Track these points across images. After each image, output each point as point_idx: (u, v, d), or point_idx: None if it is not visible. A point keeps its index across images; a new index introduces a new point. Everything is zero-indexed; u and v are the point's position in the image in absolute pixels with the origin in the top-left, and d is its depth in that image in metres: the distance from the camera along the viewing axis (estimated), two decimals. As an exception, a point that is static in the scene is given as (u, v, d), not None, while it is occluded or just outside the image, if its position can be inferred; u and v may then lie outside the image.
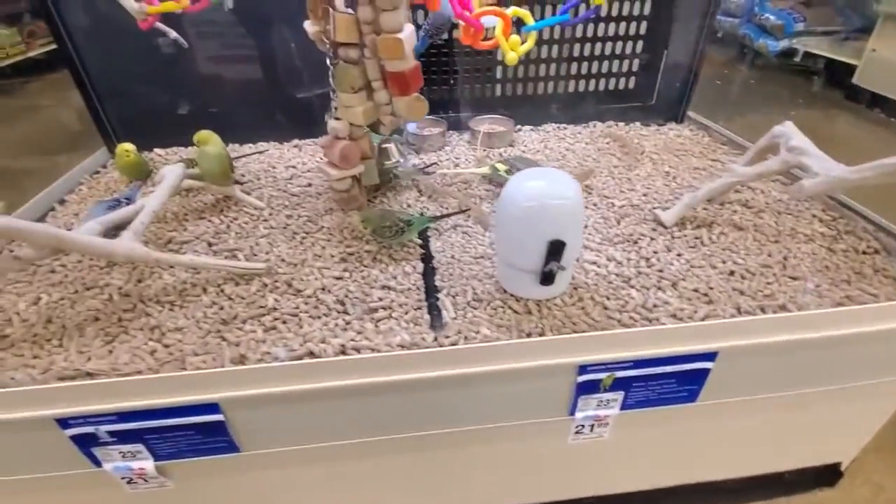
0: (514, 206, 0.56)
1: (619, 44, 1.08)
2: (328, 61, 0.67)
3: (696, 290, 0.64)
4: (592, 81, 1.13)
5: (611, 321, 0.59)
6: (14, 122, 2.45)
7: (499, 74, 1.12)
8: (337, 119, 0.70)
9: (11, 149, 1.92)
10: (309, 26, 0.67)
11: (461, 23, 0.69)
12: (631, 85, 1.15)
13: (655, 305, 0.61)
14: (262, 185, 0.94)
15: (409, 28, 0.63)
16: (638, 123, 1.16)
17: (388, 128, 0.73)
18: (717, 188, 0.73)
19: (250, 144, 1.11)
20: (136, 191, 0.83)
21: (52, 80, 3.29)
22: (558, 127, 1.16)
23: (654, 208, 0.80)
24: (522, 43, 0.79)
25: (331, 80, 0.68)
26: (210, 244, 0.77)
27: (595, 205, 0.83)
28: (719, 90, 2.84)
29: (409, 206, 0.85)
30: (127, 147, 0.91)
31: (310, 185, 0.94)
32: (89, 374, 0.54)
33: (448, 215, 0.76)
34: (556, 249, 0.55)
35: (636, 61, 1.11)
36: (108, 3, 0.74)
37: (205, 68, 1.05)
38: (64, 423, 0.52)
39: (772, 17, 3.18)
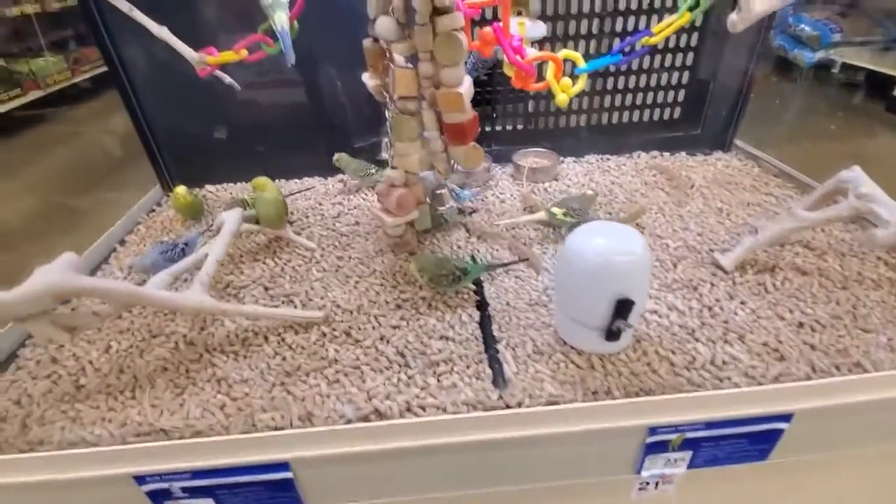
0: (579, 261, 0.56)
1: (665, 75, 1.07)
2: (386, 113, 0.68)
3: (765, 345, 0.62)
4: (636, 112, 1.12)
5: (679, 379, 0.58)
6: (62, 148, 2.57)
7: (541, 107, 1.11)
8: (393, 168, 0.71)
9: (62, 177, 2.01)
10: (368, 79, 0.68)
11: (505, 60, 0.70)
12: (676, 115, 1.13)
13: (725, 362, 0.60)
14: (311, 224, 0.95)
15: (467, 81, 0.64)
16: (684, 153, 1.14)
17: (442, 174, 0.74)
18: (780, 234, 0.71)
19: (296, 179, 1.13)
20: (196, 237, 0.84)
21: (95, 106, 3.44)
22: (601, 158, 1.14)
23: (712, 250, 0.79)
24: (573, 84, 0.79)
25: (388, 129, 0.69)
26: (266, 288, 0.78)
27: (649, 246, 0.82)
28: (755, 103, 2.78)
29: (459, 247, 0.85)
30: (182, 191, 0.93)
31: (357, 223, 0.95)
32: (164, 432, 0.56)
33: (505, 265, 0.76)
34: (623, 308, 0.54)
35: (682, 91, 1.10)
36: (165, 49, 0.76)
37: (254, 108, 1.08)
38: (141, 479, 0.54)
39: (807, 28, 3.11)
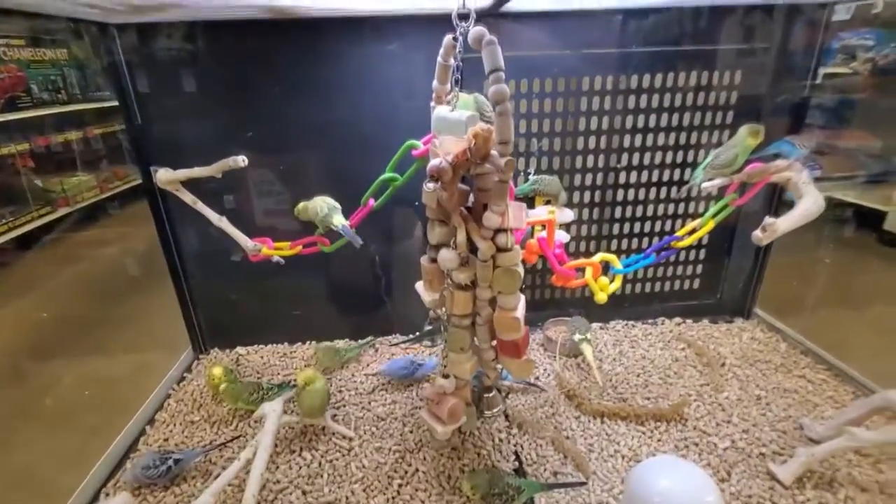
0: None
1: (683, 252, 1.14)
2: (442, 327, 0.72)
3: (845, 590, 0.58)
4: (658, 283, 1.17)
5: None
6: (84, 264, 2.63)
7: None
8: (445, 376, 0.72)
9: (83, 291, 2.03)
10: (424, 293, 0.72)
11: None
12: (696, 285, 1.18)
13: None
14: (346, 402, 0.94)
15: (522, 302, 0.67)
16: (706, 320, 1.18)
17: (492, 380, 0.75)
18: (836, 450, 0.70)
19: (327, 342, 1.14)
20: (196, 454, 0.81)
21: (119, 220, 3.58)
22: (627, 325, 1.17)
23: (762, 454, 0.77)
24: (611, 283, 0.84)
25: (443, 342, 0.71)
26: (304, 492, 0.75)
27: (696, 445, 0.80)
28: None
29: (501, 440, 0.83)
30: (218, 373, 0.92)
31: (394, 402, 0.94)
32: None
33: (564, 486, 0.73)
34: (701, 566, 0.52)
35: (699, 265, 1.16)
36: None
37: (290, 274, 1.12)
38: None
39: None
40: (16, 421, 1.12)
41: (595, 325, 1.17)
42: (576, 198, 1.08)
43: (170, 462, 0.77)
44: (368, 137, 0.95)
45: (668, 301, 1.19)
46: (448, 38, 0.61)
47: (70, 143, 3.76)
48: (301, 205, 0.81)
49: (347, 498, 0.73)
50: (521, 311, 0.66)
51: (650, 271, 1.16)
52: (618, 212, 1.10)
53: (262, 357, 1.11)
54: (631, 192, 1.08)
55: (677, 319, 1.19)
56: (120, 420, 0.90)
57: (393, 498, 0.73)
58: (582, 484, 0.72)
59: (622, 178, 1.07)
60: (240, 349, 1.14)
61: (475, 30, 0.54)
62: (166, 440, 0.87)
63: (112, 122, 4.34)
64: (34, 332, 1.49)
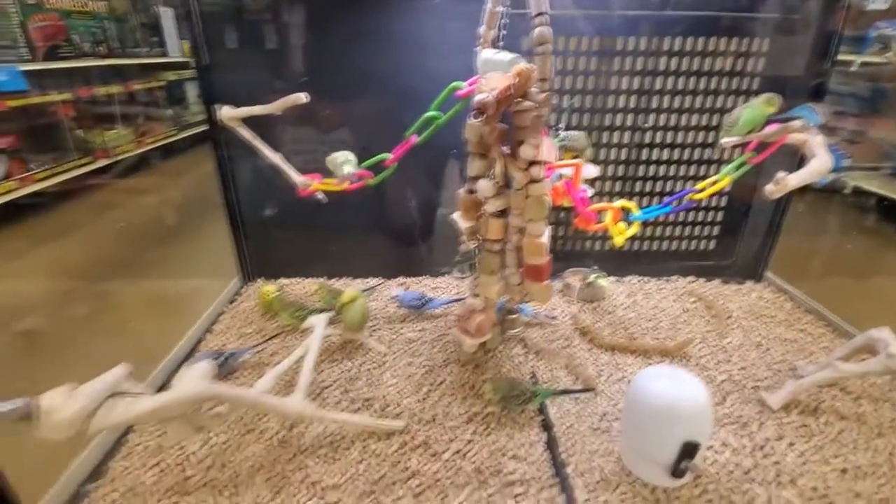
0: (647, 405, 0.63)
1: (702, 213, 1.20)
2: (475, 249, 0.80)
3: (815, 489, 0.67)
4: (675, 242, 1.24)
5: (738, 519, 0.63)
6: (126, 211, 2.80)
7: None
8: (475, 295, 0.81)
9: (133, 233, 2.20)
10: (461, 221, 0.80)
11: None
12: (711, 246, 1.25)
13: (780, 506, 0.65)
14: (380, 326, 1.05)
15: (548, 231, 0.76)
16: (718, 281, 1.24)
17: (517, 302, 0.84)
18: (821, 380, 0.78)
19: (360, 279, 1.25)
20: (245, 351, 0.93)
21: (158, 171, 3.74)
22: (641, 279, 1.25)
23: (756, 386, 0.86)
24: (628, 228, 0.91)
25: (476, 264, 0.80)
26: (346, 390, 0.86)
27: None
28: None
29: (519, 362, 0.93)
30: (270, 290, 1.05)
31: (423, 330, 1.04)
32: (269, 532, 0.62)
33: (573, 391, 0.83)
34: (689, 450, 0.61)
35: (717, 227, 1.22)
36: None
37: (333, 212, 1.22)
38: (245, 579, 0.59)
39: (819, 151, 3.34)
40: (91, 325, 1.27)
41: (611, 279, 1.25)
42: (602, 155, 1.14)
43: (226, 355, 0.89)
44: (412, 86, 1.03)
45: (683, 260, 1.26)
46: (498, -15, 0.68)
47: (111, 96, 3.90)
48: (330, 156, 0.90)
49: (383, 397, 0.84)
50: (546, 238, 0.75)
51: (668, 230, 1.23)
52: (641, 170, 1.16)
53: (302, 288, 1.22)
54: (656, 152, 1.14)
55: (691, 278, 1.26)
56: (181, 329, 1.02)
57: (422, 399, 0.83)
58: (590, 390, 0.82)
59: (648, 138, 1.13)
60: (283, 280, 1.25)
61: (525, -24, 0.61)
62: (223, 346, 0.99)
63: (150, 79, 4.48)
64: (101, 258, 1.65)
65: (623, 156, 1.15)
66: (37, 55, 3.27)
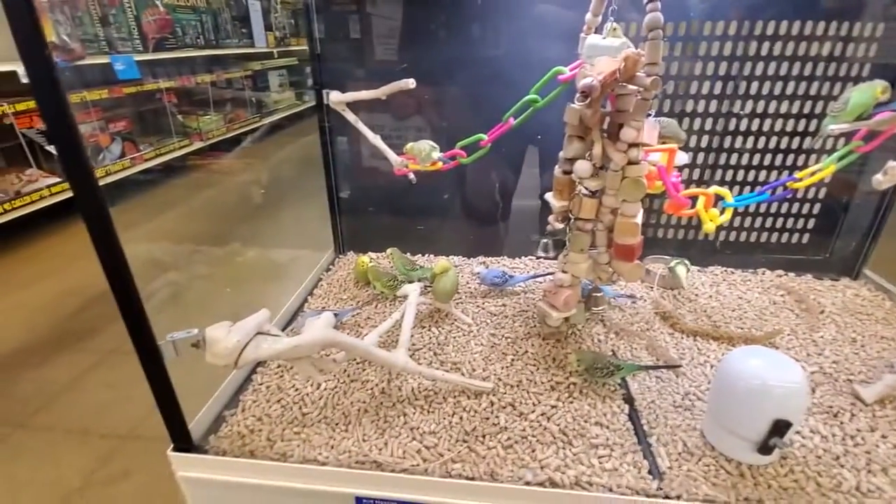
0: (741, 380, 0.65)
1: (797, 204, 1.16)
2: (567, 227, 0.85)
3: (912, 482, 0.66)
4: (764, 234, 1.21)
5: (826, 500, 0.64)
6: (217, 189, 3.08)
7: (672, 217, 1.24)
8: (564, 272, 0.86)
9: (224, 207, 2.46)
10: (554, 201, 0.85)
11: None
12: (804, 240, 1.20)
13: (870, 490, 0.65)
14: (464, 301, 1.12)
15: (640, 213, 0.78)
16: (810, 276, 1.20)
17: (603, 281, 0.87)
18: (926, 377, 0.75)
19: (443, 257, 1.32)
20: (349, 311, 1.04)
21: (244, 152, 4.06)
22: (726, 270, 1.23)
23: (850, 380, 0.84)
24: (721, 215, 0.91)
25: (567, 241, 0.84)
26: (436, 354, 0.94)
27: (784, 366, 0.88)
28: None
29: (600, 340, 0.96)
30: (365, 259, 1.15)
31: (504, 305, 1.10)
32: (377, 464, 0.70)
33: (658, 367, 0.86)
34: (780, 428, 0.63)
35: (812, 220, 1.18)
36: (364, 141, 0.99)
37: (418, 197, 1.30)
38: (359, 500, 0.68)
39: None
40: (215, 281, 1.45)
41: (694, 268, 1.24)
42: (692, 142, 1.13)
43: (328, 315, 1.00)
44: (507, 74, 1.08)
45: (772, 253, 1.23)
46: (607, -26, 0.71)
47: (205, 84, 4.24)
48: (409, 145, 0.95)
49: (470, 363, 0.91)
50: (639, 220, 0.77)
51: (757, 221, 1.20)
52: (734, 159, 1.14)
53: (389, 262, 1.31)
54: (750, 141, 1.12)
55: (779, 271, 1.22)
56: (288, 290, 1.15)
57: (507, 367, 0.89)
58: (676, 367, 0.84)
59: (743, 125, 1.11)
60: (371, 254, 1.35)
61: (638, -35, 0.64)
62: (324, 307, 1.10)
63: (238, 69, 4.82)
64: (210, 229, 1.87)
65: (714, 143, 1.13)
66: (147, 46, 3.63)
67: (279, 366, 0.92)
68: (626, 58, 0.66)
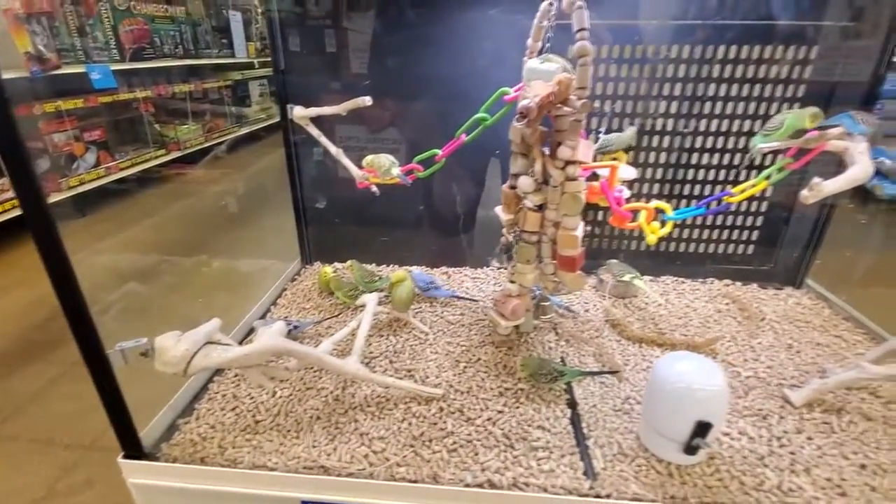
0: (668, 384, 0.69)
1: (741, 217, 1.22)
2: (513, 239, 0.88)
3: (829, 480, 0.70)
4: (711, 245, 1.26)
5: (748, 498, 0.68)
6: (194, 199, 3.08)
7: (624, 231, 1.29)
8: (512, 282, 0.89)
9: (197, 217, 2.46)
10: (502, 214, 0.89)
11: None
12: (749, 251, 1.26)
13: (791, 489, 0.69)
14: (423, 310, 1.15)
15: (581, 226, 0.83)
16: (755, 285, 1.26)
17: (549, 291, 0.91)
18: (846, 381, 0.80)
19: (406, 268, 1.35)
20: (309, 323, 1.06)
21: (220, 163, 4.04)
22: (676, 280, 1.28)
23: (781, 384, 0.89)
24: (661, 228, 0.96)
25: (514, 254, 0.88)
26: (391, 361, 0.96)
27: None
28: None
29: (550, 348, 1.00)
30: (329, 270, 1.17)
31: (462, 314, 1.13)
32: (324, 468, 0.72)
33: (599, 373, 0.90)
34: (702, 429, 0.67)
35: (755, 232, 1.24)
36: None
37: (383, 208, 1.33)
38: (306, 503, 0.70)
39: (887, 161, 3.17)
40: (178, 291, 1.45)
41: (646, 277, 1.29)
42: (641, 158, 1.19)
43: (290, 327, 1.01)
44: (464, 91, 1.12)
45: (720, 263, 1.28)
46: (545, 3, 0.76)
47: (183, 94, 4.23)
48: (368, 157, 0.98)
49: (424, 370, 0.94)
50: (579, 232, 0.82)
51: (706, 233, 1.25)
52: (680, 174, 1.20)
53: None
54: (695, 157, 1.18)
55: (727, 281, 1.28)
56: (251, 299, 1.16)
57: (459, 374, 0.92)
58: (616, 372, 0.88)
59: (688, 143, 1.17)
60: (337, 264, 1.37)
61: (568, -4, 0.69)
62: (286, 317, 1.12)
63: (218, 78, 4.82)
64: (180, 238, 1.87)
65: (662, 159, 1.19)
66: (125, 56, 3.62)
67: (236, 375, 0.93)
68: (559, 81, 0.70)
